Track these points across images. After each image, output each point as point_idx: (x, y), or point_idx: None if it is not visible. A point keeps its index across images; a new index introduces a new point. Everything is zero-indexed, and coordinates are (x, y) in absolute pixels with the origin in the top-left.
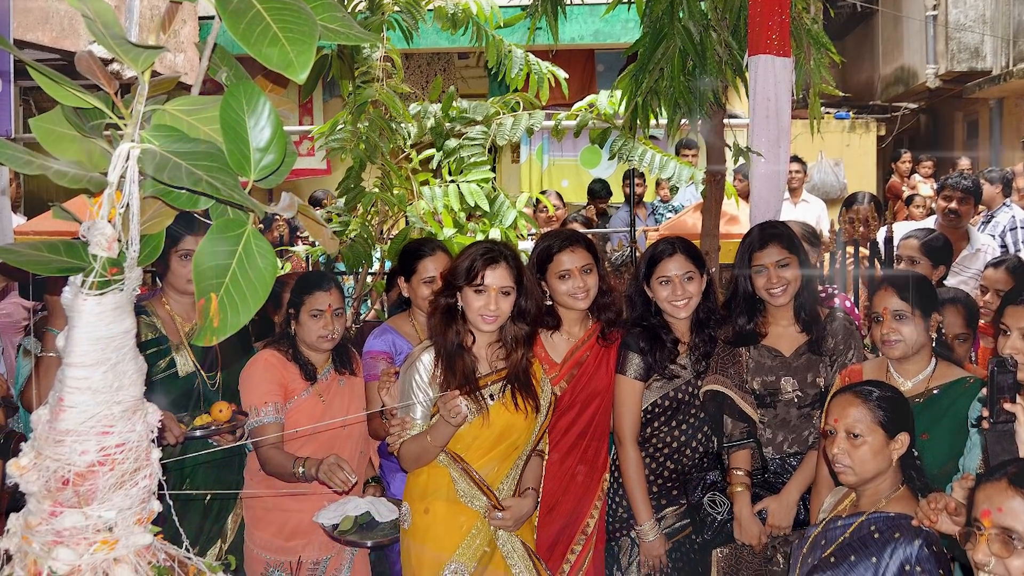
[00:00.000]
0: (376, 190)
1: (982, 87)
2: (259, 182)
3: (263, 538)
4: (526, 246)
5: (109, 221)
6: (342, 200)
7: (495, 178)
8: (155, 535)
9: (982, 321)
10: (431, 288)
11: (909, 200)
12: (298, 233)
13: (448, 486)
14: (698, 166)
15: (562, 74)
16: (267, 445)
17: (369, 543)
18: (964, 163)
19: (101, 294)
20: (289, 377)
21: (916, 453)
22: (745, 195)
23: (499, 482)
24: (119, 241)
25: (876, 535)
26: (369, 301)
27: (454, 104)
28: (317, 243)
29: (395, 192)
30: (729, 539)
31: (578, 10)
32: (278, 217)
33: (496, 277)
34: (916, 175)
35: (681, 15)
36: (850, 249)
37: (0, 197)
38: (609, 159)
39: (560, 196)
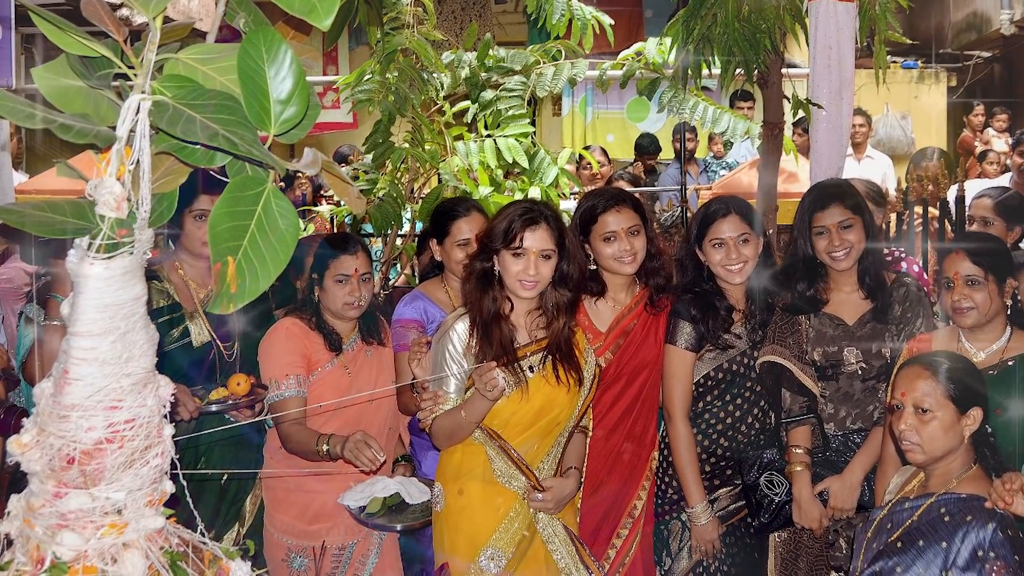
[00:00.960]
0: (406, 145)
1: None
2: (280, 137)
3: (284, 521)
4: (568, 206)
5: (118, 179)
6: (369, 156)
7: (535, 132)
8: (167, 518)
9: None
10: (465, 251)
11: (982, 156)
12: (322, 192)
13: (484, 465)
14: (754, 119)
15: (607, 20)
16: (288, 421)
17: (399, 527)
18: None
19: (109, 258)
20: (312, 347)
21: (989, 429)
22: (805, 151)
23: (539, 461)
24: (128, 200)
25: (946, 518)
26: (399, 265)
27: (490, 52)
28: (343, 203)
29: (427, 148)
30: (788, 522)
31: None
32: (300, 175)
33: (536, 239)
34: (990, 129)
35: None
36: (918, 209)
37: (0, 153)
38: (658, 112)
39: (605, 152)
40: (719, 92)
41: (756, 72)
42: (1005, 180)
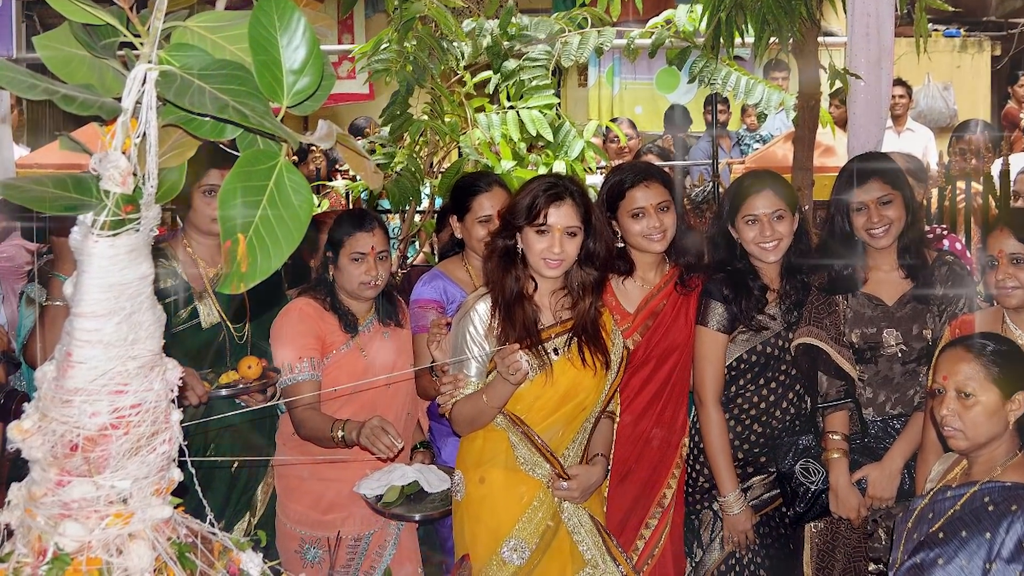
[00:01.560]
0: (425, 117)
1: None
2: (293, 108)
3: (297, 511)
4: (595, 181)
5: (123, 152)
6: (387, 129)
7: (559, 104)
8: (175, 508)
9: None
10: (487, 228)
11: None
12: (337, 166)
13: (506, 452)
14: (789, 90)
15: None
16: (302, 406)
17: (417, 517)
18: None
19: (114, 235)
20: (327, 329)
21: None
22: (842, 123)
23: (564, 448)
24: (135, 175)
25: (990, 507)
26: (417, 243)
27: (513, 20)
28: (358, 177)
29: (447, 120)
30: (824, 512)
31: None
32: (314, 148)
33: (561, 216)
34: None
35: None
36: (961, 184)
37: (0, 126)
38: (688, 82)
39: (633, 124)
40: (752, 62)
41: (791, 41)
42: None
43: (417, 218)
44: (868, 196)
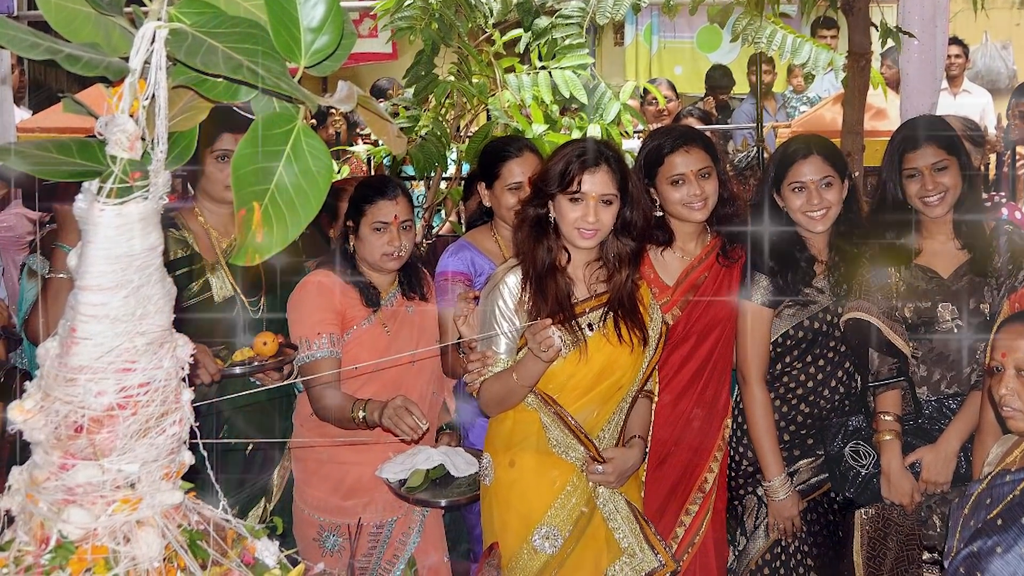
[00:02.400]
0: (451, 78)
1: None
2: (311, 69)
3: (316, 496)
4: (632, 146)
5: (131, 116)
6: (411, 90)
7: (594, 64)
8: (186, 493)
9: None
10: (517, 196)
11: None
12: (358, 130)
13: (538, 434)
14: (838, 50)
15: None
16: (321, 385)
17: (443, 502)
18: None
19: (121, 203)
20: (347, 303)
21: None
22: (895, 84)
23: (599, 429)
24: (143, 140)
25: None
26: (443, 212)
27: None
28: (381, 142)
29: (474, 81)
30: (876, 497)
31: None
32: (334, 111)
33: (595, 183)
34: None
35: None
36: (1021, 149)
37: (0, 87)
38: (731, 41)
39: (672, 86)
40: (799, 19)
41: None
42: None
43: (443, 185)
44: (922, 162)
